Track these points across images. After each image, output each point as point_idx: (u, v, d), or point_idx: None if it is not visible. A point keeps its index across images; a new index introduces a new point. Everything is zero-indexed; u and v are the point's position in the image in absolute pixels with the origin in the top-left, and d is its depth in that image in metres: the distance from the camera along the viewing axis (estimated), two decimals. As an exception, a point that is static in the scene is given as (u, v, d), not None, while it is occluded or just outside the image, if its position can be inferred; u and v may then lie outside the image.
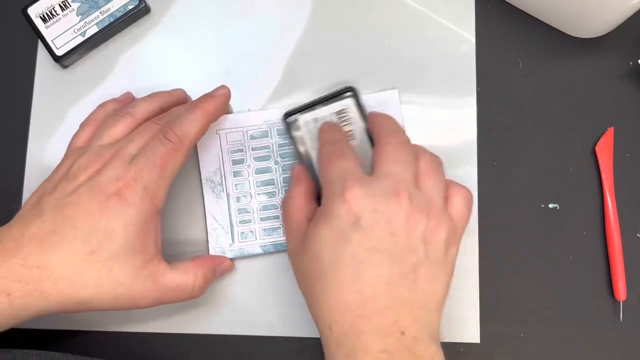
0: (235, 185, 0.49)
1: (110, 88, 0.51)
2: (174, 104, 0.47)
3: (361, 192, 0.39)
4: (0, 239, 0.40)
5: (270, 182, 0.49)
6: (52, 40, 0.50)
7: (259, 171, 0.49)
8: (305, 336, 0.48)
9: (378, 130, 0.45)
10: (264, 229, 0.49)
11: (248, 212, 0.49)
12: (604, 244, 0.49)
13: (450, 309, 0.48)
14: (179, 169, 0.43)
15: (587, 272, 0.49)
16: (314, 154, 0.47)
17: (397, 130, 0.44)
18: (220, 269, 0.47)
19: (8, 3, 0.52)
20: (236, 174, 0.49)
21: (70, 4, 0.50)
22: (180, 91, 0.49)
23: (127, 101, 0.48)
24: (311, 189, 0.45)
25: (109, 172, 0.41)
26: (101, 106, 0.48)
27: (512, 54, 0.51)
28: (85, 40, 0.50)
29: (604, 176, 0.49)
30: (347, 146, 0.44)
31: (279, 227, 0.49)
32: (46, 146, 0.51)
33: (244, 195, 0.49)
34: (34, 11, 0.50)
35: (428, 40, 0.51)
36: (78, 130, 0.46)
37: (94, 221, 0.40)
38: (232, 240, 0.48)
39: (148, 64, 0.52)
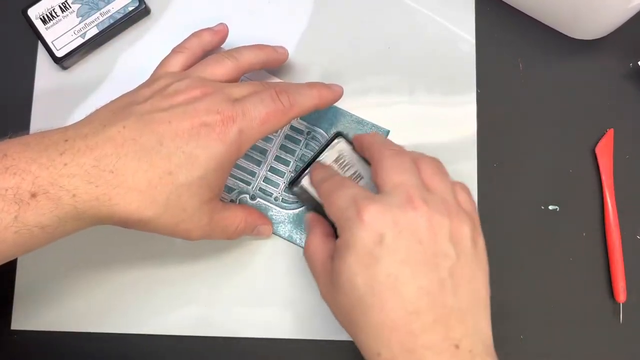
0: None
1: (111, 89, 0.50)
2: (276, 62, 0.47)
3: (376, 208, 0.38)
4: (67, 137, 0.38)
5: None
6: (52, 42, 0.50)
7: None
8: (303, 338, 0.48)
9: (369, 148, 0.44)
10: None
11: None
12: (604, 246, 0.49)
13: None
14: (273, 132, 0.43)
15: (587, 273, 0.49)
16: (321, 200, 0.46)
17: (387, 142, 0.44)
18: (259, 229, 0.47)
19: (8, 4, 0.52)
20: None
21: (70, 5, 0.50)
22: (284, 49, 0.48)
23: (221, 34, 0.47)
24: (327, 229, 0.44)
25: (210, 102, 0.40)
26: (196, 35, 0.46)
27: (512, 54, 0.51)
28: (85, 41, 0.50)
29: (603, 177, 0.49)
30: (344, 178, 0.44)
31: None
32: (47, 147, 0.51)
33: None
34: (34, 12, 0.50)
35: (428, 40, 0.51)
36: (170, 54, 0.45)
37: (181, 143, 0.39)
38: None
39: (148, 65, 0.51)
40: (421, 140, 0.50)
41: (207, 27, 0.50)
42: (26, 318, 0.48)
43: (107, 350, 0.48)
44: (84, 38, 0.50)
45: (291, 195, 0.50)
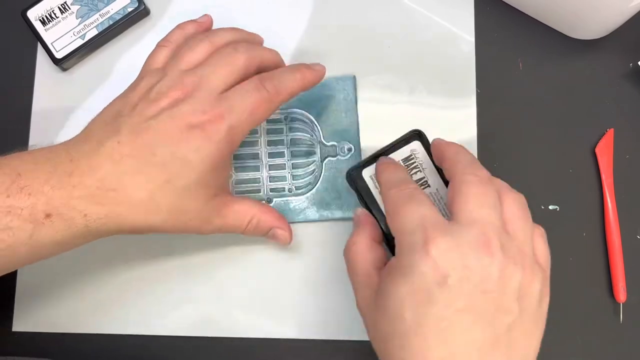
0: None
1: (110, 90, 0.50)
2: (255, 39, 0.47)
3: (446, 244, 0.34)
4: (71, 157, 0.39)
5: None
6: (51, 43, 0.50)
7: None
8: (304, 338, 0.48)
9: (451, 165, 0.39)
10: None
11: None
12: (604, 246, 0.49)
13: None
14: (263, 121, 0.43)
15: (587, 273, 0.49)
16: (378, 198, 0.43)
17: (475, 165, 0.39)
18: (275, 232, 0.46)
19: (8, 6, 0.52)
20: None
21: (70, 6, 0.50)
22: (258, 36, 0.48)
23: (206, 24, 0.47)
24: (376, 233, 0.41)
25: (195, 103, 0.40)
26: (180, 27, 0.46)
27: (512, 54, 0.51)
28: (84, 42, 0.50)
29: (603, 177, 0.49)
30: (416, 187, 0.39)
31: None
32: (47, 149, 0.51)
33: None
34: (33, 14, 0.50)
35: (428, 40, 0.51)
36: (154, 50, 0.45)
37: (173, 149, 0.39)
38: None
39: (148, 66, 0.52)
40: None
41: None
42: (27, 320, 0.49)
43: (108, 351, 0.48)
44: (83, 39, 0.50)
45: (302, 180, 0.49)
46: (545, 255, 0.38)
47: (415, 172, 0.43)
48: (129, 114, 0.40)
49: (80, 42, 0.50)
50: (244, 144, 0.49)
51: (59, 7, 0.50)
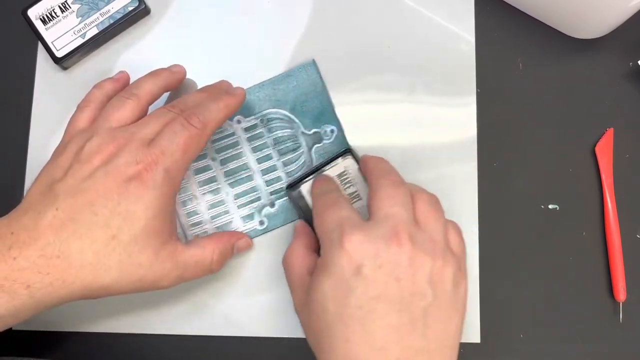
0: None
1: (111, 89, 0.51)
2: (175, 82, 0.47)
3: (360, 238, 0.38)
4: (12, 230, 0.39)
5: (212, 180, 0.49)
6: (52, 42, 0.50)
7: (198, 171, 0.49)
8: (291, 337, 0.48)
9: (370, 172, 0.43)
10: (217, 227, 0.49)
11: (198, 214, 0.49)
12: (604, 245, 0.49)
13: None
14: (197, 156, 0.43)
15: (587, 272, 0.49)
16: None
17: (390, 171, 0.43)
18: (237, 245, 0.47)
19: (8, 5, 0.52)
20: None
21: (70, 5, 0.50)
22: (180, 67, 0.48)
23: (122, 80, 0.47)
24: (312, 241, 0.44)
25: (127, 155, 0.40)
26: (98, 86, 0.46)
27: (512, 54, 0.51)
28: (85, 41, 0.50)
29: (603, 177, 0.49)
30: (340, 195, 0.43)
31: (231, 222, 0.49)
32: (47, 148, 0.51)
33: (189, 198, 0.49)
34: (33, 13, 0.50)
35: (428, 40, 0.51)
36: (76, 111, 0.45)
37: (113, 205, 0.39)
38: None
39: (148, 65, 0.51)
40: (421, 140, 0.50)
41: (200, 29, 0.51)
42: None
43: (108, 350, 0.48)
44: (84, 38, 0.50)
45: (297, 174, 0.49)
46: (459, 245, 0.41)
47: (349, 187, 0.47)
48: (63, 179, 0.40)
49: (80, 41, 0.50)
50: (229, 158, 0.49)
51: (59, 6, 0.50)
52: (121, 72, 0.48)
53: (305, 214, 0.47)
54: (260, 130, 0.50)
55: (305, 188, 0.47)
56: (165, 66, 0.47)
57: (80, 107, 0.45)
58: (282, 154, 0.50)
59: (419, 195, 0.41)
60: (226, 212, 0.49)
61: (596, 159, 0.50)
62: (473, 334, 0.48)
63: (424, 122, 0.50)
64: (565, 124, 0.50)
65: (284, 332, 0.48)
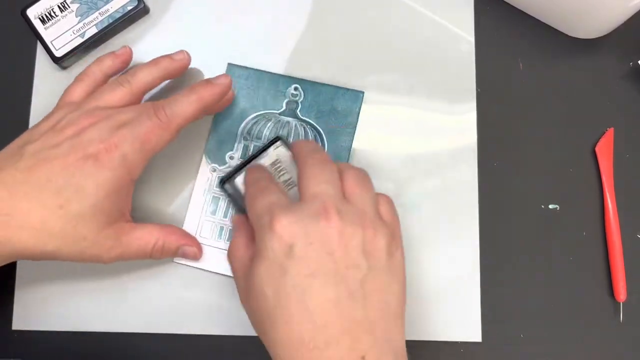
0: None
1: (110, 89, 0.51)
2: (176, 70, 0.47)
3: (288, 219, 0.38)
4: None
5: None
6: (51, 42, 0.50)
7: None
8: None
9: (297, 155, 0.44)
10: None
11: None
12: (604, 245, 0.49)
13: (452, 308, 0.48)
14: (162, 148, 0.43)
15: (587, 272, 0.49)
16: None
17: (316, 150, 0.43)
18: (183, 250, 0.47)
19: (7, 4, 0.52)
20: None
21: (69, 5, 0.50)
22: (182, 54, 0.48)
23: (124, 57, 0.48)
24: (252, 233, 0.43)
25: (94, 131, 0.41)
26: (98, 61, 0.47)
27: (512, 54, 0.51)
28: (84, 41, 0.50)
29: (604, 177, 0.49)
30: (271, 181, 0.43)
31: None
32: (46, 147, 0.51)
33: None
34: (33, 12, 0.50)
35: (428, 40, 0.51)
36: (72, 83, 0.46)
37: (68, 177, 0.40)
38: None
39: (147, 65, 0.51)
40: (420, 141, 0.50)
41: (200, 28, 0.51)
42: (27, 318, 0.48)
43: (108, 350, 0.48)
44: (83, 38, 0.50)
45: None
46: (390, 215, 0.41)
47: (283, 174, 0.47)
48: (34, 142, 0.42)
49: (79, 40, 0.50)
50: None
51: (58, 6, 0.50)
52: (124, 47, 0.48)
53: (242, 206, 0.46)
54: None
55: (239, 180, 0.47)
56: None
57: (76, 79, 0.46)
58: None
59: (347, 171, 0.42)
60: None
61: (596, 159, 0.50)
62: (474, 333, 0.48)
63: (424, 122, 0.50)
64: (565, 124, 0.50)
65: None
